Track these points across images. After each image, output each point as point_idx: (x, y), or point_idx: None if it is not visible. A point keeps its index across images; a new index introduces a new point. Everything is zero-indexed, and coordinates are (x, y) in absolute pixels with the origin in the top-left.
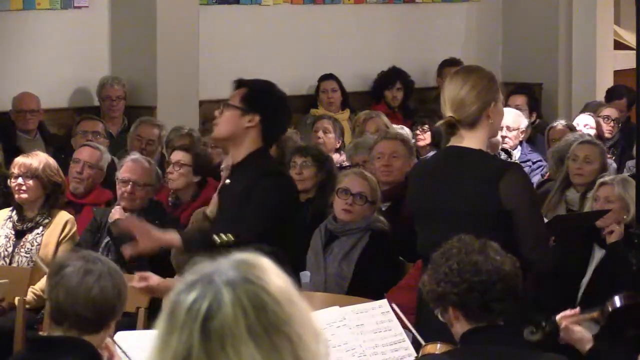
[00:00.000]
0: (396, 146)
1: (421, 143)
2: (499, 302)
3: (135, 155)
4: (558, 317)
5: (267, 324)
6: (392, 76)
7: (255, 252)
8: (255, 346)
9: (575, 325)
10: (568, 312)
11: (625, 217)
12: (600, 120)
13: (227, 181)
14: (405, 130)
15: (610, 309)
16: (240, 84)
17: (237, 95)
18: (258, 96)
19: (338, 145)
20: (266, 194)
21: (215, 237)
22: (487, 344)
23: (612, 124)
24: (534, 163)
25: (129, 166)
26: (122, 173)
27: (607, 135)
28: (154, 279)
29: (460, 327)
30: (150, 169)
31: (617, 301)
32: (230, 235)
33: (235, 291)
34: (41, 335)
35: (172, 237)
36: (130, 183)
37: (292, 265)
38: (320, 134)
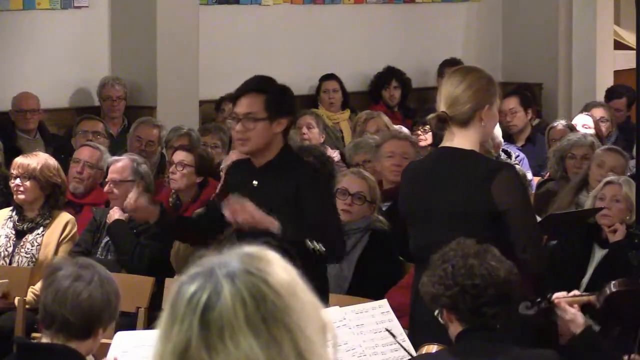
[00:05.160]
0: (407, 147)
1: (422, 143)
2: (490, 307)
3: (116, 156)
4: (555, 295)
5: (265, 314)
6: (388, 75)
7: (262, 246)
8: (253, 337)
9: (570, 306)
10: (565, 292)
11: (627, 217)
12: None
13: (255, 183)
14: (404, 130)
15: (608, 291)
16: (248, 89)
17: (257, 104)
18: (279, 100)
19: (322, 140)
20: (326, 193)
21: (309, 242)
22: (479, 342)
23: (605, 124)
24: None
25: (111, 168)
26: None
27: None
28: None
29: (454, 329)
30: (125, 165)
31: (615, 285)
32: (322, 247)
33: (235, 283)
34: (30, 342)
35: (270, 221)
36: (110, 182)
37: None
38: (305, 129)
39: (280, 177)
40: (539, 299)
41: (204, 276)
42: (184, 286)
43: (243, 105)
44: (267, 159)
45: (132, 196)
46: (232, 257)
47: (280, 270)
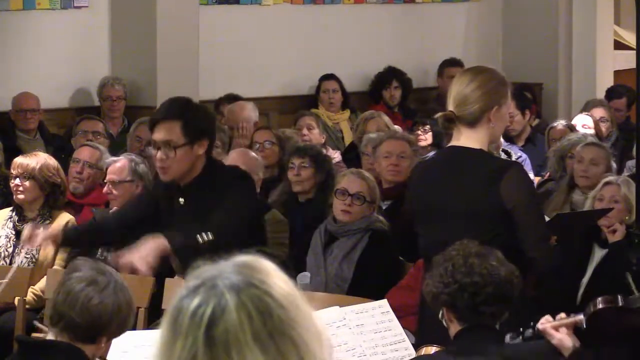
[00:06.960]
0: (404, 146)
1: (422, 143)
2: (488, 306)
3: (114, 157)
4: (540, 321)
5: (272, 329)
6: (388, 75)
7: (257, 255)
8: (261, 352)
9: (555, 331)
10: (548, 317)
11: (627, 217)
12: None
13: (181, 201)
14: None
15: (591, 310)
16: (164, 116)
17: (174, 131)
18: (197, 123)
19: (323, 140)
20: (234, 194)
21: (198, 237)
22: (475, 341)
23: (605, 124)
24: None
25: (109, 169)
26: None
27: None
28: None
29: (454, 329)
30: (123, 166)
31: (598, 303)
32: (210, 234)
33: (240, 296)
34: (33, 339)
35: (160, 242)
36: (108, 183)
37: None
38: (305, 130)
39: (206, 194)
40: (521, 329)
41: (206, 289)
42: (184, 300)
43: (161, 133)
44: (190, 178)
45: (26, 233)
46: (229, 268)
47: (280, 281)
